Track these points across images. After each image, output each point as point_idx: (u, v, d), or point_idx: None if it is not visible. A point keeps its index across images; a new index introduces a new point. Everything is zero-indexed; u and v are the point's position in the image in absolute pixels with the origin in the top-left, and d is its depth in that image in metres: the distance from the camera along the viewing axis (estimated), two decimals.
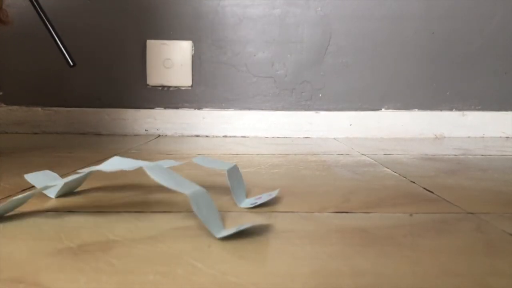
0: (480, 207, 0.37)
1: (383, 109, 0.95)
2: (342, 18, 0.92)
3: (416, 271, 0.23)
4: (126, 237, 0.28)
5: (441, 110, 0.95)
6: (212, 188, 0.43)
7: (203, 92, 0.93)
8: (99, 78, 0.92)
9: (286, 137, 0.92)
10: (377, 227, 0.31)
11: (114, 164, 0.28)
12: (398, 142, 0.85)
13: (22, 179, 0.45)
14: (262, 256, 0.25)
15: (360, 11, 0.92)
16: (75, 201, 0.37)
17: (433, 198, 0.40)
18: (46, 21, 0.50)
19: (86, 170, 0.30)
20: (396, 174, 0.51)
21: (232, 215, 0.33)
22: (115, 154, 0.64)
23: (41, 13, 0.50)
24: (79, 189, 0.42)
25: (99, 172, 0.51)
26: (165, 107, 0.93)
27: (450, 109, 0.95)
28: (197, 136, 0.93)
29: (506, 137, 0.94)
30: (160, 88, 0.93)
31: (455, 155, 0.68)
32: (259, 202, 0.36)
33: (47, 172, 0.40)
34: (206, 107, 0.94)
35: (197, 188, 0.27)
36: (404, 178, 0.49)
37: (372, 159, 0.63)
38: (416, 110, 0.95)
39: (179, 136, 0.92)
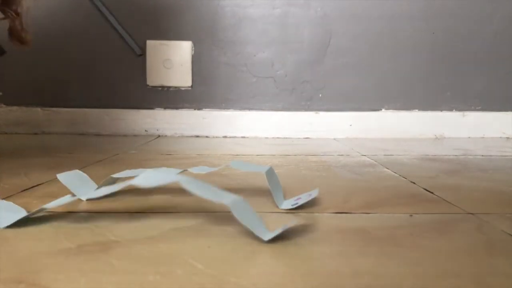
0: (480, 208, 0.37)
1: (383, 110, 0.95)
2: (342, 18, 0.92)
3: (416, 271, 0.23)
4: (126, 238, 0.28)
5: (441, 110, 0.95)
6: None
7: (203, 92, 0.93)
8: (99, 78, 0.92)
9: (286, 138, 0.92)
10: (377, 227, 0.31)
11: (149, 178, 0.28)
12: (398, 143, 0.84)
13: (22, 179, 0.45)
14: (261, 256, 0.25)
15: (360, 11, 0.92)
16: (75, 202, 0.37)
17: (433, 199, 0.40)
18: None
19: (122, 184, 0.29)
20: (396, 175, 0.51)
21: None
22: (115, 154, 0.64)
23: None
24: None
25: (98, 172, 0.51)
26: (165, 108, 0.93)
27: (451, 110, 0.95)
28: (197, 136, 0.93)
29: (507, 137, 0.94)
30: (160, 88, 0.93)
31: (456, 155, 0.68)
32: (300, 202, 0.35)
33: (78, 172, 0.40)
34: (206, 107, 0.94)
35: (235, 197, 0.28)
36: (404, 179, 0.49)
37: (372, 159, 0.63)
38: (417, 110, 0.95)
39: (179, 136, 0.92)
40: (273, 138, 0.92)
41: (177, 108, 0.93)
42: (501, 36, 0.94)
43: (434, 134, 0.94)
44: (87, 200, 0.37)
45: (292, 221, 0.30)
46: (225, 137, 0.92)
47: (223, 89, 0.94)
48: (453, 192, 0.42)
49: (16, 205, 0.33)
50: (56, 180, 0.46)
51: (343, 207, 0.36)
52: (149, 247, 0.26)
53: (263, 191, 0.41)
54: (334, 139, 0.91)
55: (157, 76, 0.92)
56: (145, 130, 0.93)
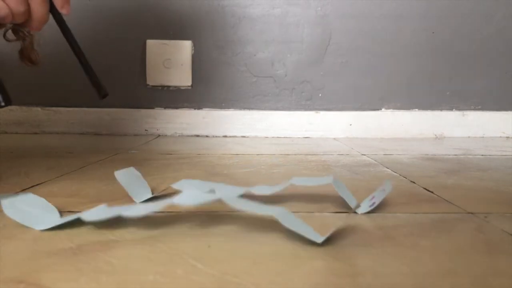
0: (480, 207, 0.37)
1: (383, 109, 0.95)
2: (342, 18, 0.92)
3: (416, 271, 0.23)
4: (126, 237, 0.28)
5: (441, 110, 0.95)
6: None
7: (203, 92, 0.93)
8: (99, 78, 0.92)
9: (286, 137, 0.92)
10: (377, 227, 0.31)
11: (190, 197, 0.28)
12: (398, 142, 0.85)
13: (22, 179, 0.46)
14: (262, 256, 0.25)
15: (360, 11, 0.92)
16: (75, 201, 0.37)
17: (433, 198, 0.40)
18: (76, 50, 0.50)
19: (162, 203, 0.28)
20: (396, 174, 0.51)
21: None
22: (115, 154, 0.64)
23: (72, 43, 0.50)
24: (77, 188, 0.42)
25: (98, 171, 0.51)
26: (165, 107, 0.93)
27: (450, 109, 0.95)
28: (197, 136, 0.93)
29: (506, 137, 0.94)
30: (160, 88, 0.93)
31: (455, 155, 0.68)
32: (377, 202, 0.34)
33: (132, 170, 0.40)
34: (206, 107, 0.94)
35: (279, 208, 0.28)
36: (404, 178, 0.49)
37: (372, 159, 0.63)
38: (416, 110, 0.95)
39: (179, 136, 0.92)
40: (273, 137, 0.92)
41: (177, 107, 0.93)
42: (501, 36, 0.94)
43: (434, 134, 0.94)
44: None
45: (338, 223, 0.30)
46: (225, 136, 0.92)
47: (223, 89, 0.94)
48: (453, 192, 0.42)
49: (49, 203, 0.33)
50: (56, 179, 0.46)
51: (343, 206, 0.36)
52: (149, 246, 0.26)
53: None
54: (334, 138, 0.91)
55: (157, 75, 0.92)
56: (145, 130, 0.93)
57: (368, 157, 0.65)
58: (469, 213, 0.35)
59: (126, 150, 0.69)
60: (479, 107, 0.95)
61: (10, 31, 0.48)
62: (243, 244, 0.27)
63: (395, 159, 0.63)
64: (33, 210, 0.31)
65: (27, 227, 0.30)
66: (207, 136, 0.92)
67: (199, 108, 0.93)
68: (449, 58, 0.94)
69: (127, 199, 0.38)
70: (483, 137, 0.94)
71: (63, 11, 0.46)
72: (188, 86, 0.93)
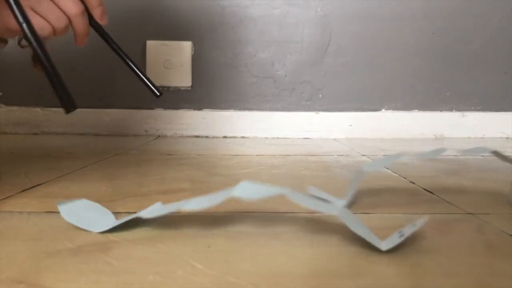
0: (480, 208, 0.37)
1: (383, 110, 0.95)
2: (342, 18, 0.92)
3: (416, 271, 0.23)
4: (126, 238, 0.28)
5: (441, 110, 0.95)
6: None
7: (203, 92, 0.93)
8: (99, 78, 0.92)
9: (286, 138, 0.92)
10: (377, 227, 0.31)
11: (251, 190, 0.26)
12: (398, 143, 0.85)
13: (22, 179, 0.45)
14: (262, 256, 0.25)
15: (360, 11, 0.92)
16: None
17: (433, 199, 0.40)
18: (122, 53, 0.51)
19: (223, 194, 0.26)
20: (396, 175, 0.51)
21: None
22: (115, 155, 0.64)
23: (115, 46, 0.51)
24: (77, 189, 0.42)
25: (98, 172, 0.51)
26: (165, 108, 0.93)
27: (450, 110, 0.95)
28: (197, 136, 0.93)
29: (506, 137, 0.94)
30: (160, 88, 0.93)
31: (455, 155, 0.68)
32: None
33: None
34: (206, 107, 0.94)
35: (341, 207, 0.27)
36: (404, 179, 0.49)
37: (372, 159, 0.63)
38: (416, 110, 0.95)
39: (179, 136, 0.92)
40: (273, 138, 0.92)
41: (177, 108, 0.93)
42: (500, 36, 0.94)
43: (434, 134, 0.94)
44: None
45: (410, 228, 0.27)
46: (225, 137, 0.92)
47: (223, 89, 0.94)
48: (452, 192, 0.42)
49: (102, 207, 0.33)
50: (56, 180, 0.46)
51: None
52: (148, 247, 0.26)
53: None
54: (334, 139, 0.91)
55: (157, 76, 0.92)
56: (145, 130, 0.93)
57: (368, 157, 0.65)
58: (469, 213, 0.35)
59: (126, 151, 0.69)
60: (479, 107, 0.95)
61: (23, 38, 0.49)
62: (243, 245, 0.27)
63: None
64: (89, 214, 0.31)
65: (26, 227, 0.30)
66: (207, 137, 0.92)
67: (199, 108, 0.94)
68: (449, 58, 0.94)
69: (127, 199, 0.38)
70: (483, 137, 0.94)
71: (102, 22, 0.47)
72: (188, 87, 0.93)
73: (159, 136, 0.92)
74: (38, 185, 0.43)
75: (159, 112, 0.93)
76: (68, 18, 0.42)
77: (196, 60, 0.93)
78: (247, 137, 0.92)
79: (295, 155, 0.66)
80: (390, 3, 0.92)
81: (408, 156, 0.32)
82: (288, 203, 0.37)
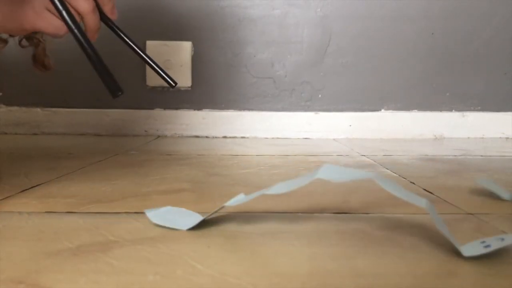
0: (480, 208, 0.37)
1: (383, 110, 0.95)
2: (342, 19, 0.93)
3: (416, 271, 0.23)
4: (125, 238, 0.28)
5: (441, 110, 0.95)
6: None
7: (202, 92, 0.93)
8: (99, 78, 0.92)
9: (286, 138, 0.92)
10: (377, 227, 0.31)
11: (337, 172, 0.26)
12: (398, 143, 0.85)
13: (22, 180, 0.45)
14: (261, 256, 0.25)
15: (360, 12, 0.92)
16: (74, 202, 0.37)
17: (432, 199, 0.40)
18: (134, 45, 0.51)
19: (307, 177, 0.25)
20: (396, 175, 0.51)
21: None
22: (115, 155, 0.64)
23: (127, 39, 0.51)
24: (77, 189, 0.42)
25: (97, 172, 0.51)
26: (165, 108, 0.93)
27: (450, 110, 0.95)
28: (197, 136, 0.93)
29: (506, 138, 0.94)
30: (159, 88, 0.93)
31: (455, 155, 0.68)
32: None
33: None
34: (206, 107, 0.94)
35: (426, 200, 0.27)
36: (404, 179, 0.49)
37: (371, 159, 0.63)
38: (416, 110, 0.95)
39: (178, 136, 0.92)
40: (272, 138, 0.92)
41: (177, 108, 0.93)
42: (501, 36, 0.94)
43: (434, 135, 0.94)
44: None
45: (497, 242, 0.26)
46: (225, 137, 0.92)
47: (223, 90, 0.94)
48: (452, 192, 0.42)
49: (188, 210, 0.33)
50: (55, 180, 0.46)
51: (342, 207, 0.36)
52: (148, 247, 0.26)
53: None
54: (334, 139, 0.91)
55: (156, 76, 0.91)
56: (145, 131, 0.93)
57: (367, 158, 0.65)
58: (468, 213, 0.35)
59: (126, 151, 0.69)
60: (479, 108, 0.95)
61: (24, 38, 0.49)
62: (243, 245, 0.27)
63: (394, 159, 0.63)
64: (175, 216, 0.32)
65: (26, 227, 0.30)
66: (206, 137, 0.92)
67: (199, 109, 0.94)
68: (449, 59, 0.94)
69: (127, 200, 0.38)
70: (482, 137, 0.94)
71: (113, 17, 0.47)
72: (188, 87, 0.93)
73: (159, 136, 0.92)
74: (38, 185, 0.43)
75: (159, 112, 0.93)
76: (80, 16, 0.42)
77: (196, 60, 0.93)
78: (247, 137, 0.92)
79: (295, 155, 0.66)
80: (390, 3, 0.92)
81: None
82: (286, 203, 0.37)
